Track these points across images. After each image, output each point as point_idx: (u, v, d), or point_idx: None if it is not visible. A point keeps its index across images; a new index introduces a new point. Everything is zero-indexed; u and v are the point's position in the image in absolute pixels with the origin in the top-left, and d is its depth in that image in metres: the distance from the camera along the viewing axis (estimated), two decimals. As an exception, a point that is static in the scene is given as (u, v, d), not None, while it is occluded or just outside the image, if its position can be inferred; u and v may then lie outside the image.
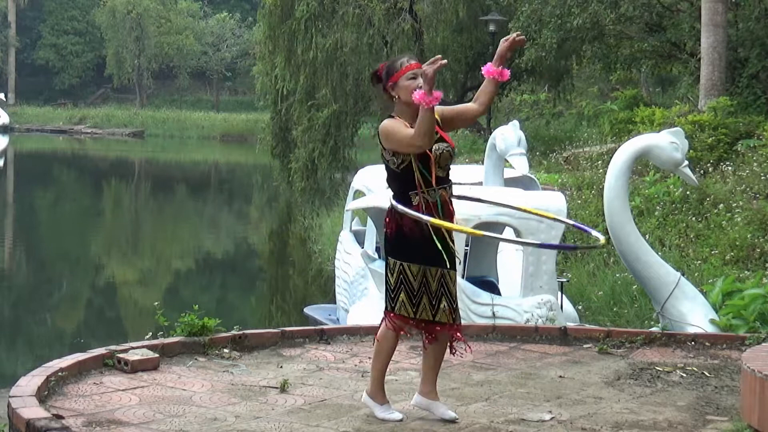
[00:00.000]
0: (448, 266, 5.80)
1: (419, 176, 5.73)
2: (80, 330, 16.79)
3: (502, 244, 11.28)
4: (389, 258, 5.87)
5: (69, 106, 72.86)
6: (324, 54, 28.37)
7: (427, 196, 5.75)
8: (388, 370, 7.08)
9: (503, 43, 5.76)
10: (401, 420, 5.89)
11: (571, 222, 6.89)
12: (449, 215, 5.83)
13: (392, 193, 5.87)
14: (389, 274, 5.86)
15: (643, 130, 17.86)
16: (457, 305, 5.91)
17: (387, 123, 5.79)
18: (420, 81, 5.65)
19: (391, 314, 5.86)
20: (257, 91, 42.90)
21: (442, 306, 5.82)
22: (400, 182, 5.80)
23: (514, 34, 5.79)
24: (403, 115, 5.79)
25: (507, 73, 5.77)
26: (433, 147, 5.73)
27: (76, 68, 77.59)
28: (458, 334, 5.93)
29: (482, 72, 5.77)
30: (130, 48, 72.41)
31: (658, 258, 10.04)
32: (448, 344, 5.98)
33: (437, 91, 5.55)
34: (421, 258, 5.77)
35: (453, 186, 5.93)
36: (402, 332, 5.93)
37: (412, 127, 5.69)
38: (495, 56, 5.76)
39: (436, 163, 5.75)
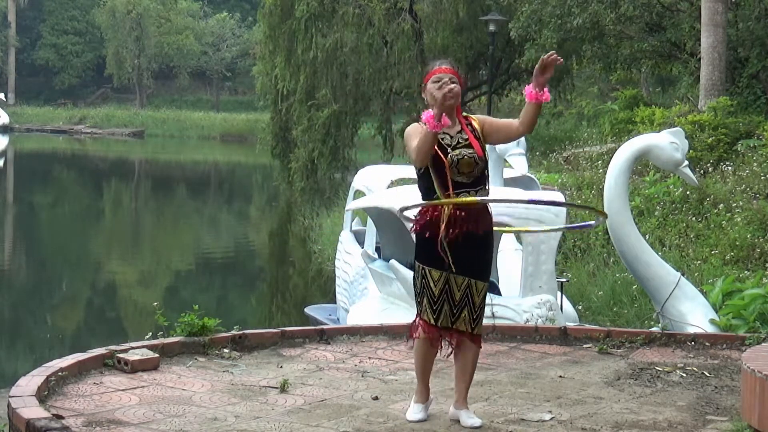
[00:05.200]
0: (454, 271, 5.74)
1: (435, 181, 5.76)
2: (80, 330, 16.78)
3: (502, 244, 11.28)
4: (415, 261, 5.90)
5: (69, 106, 72.87)
6: (324, 54, 28.39)
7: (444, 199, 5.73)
8: (388, 369, 7.09)
9: (537, 67, 5.65)
10: (418, 421, 5.86)
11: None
12: (466, 221, 5.74)
13: (421, 196, 5.92)
14: (415, 278, 5.89)
15: (643, 130, 17.86)
16: (478, 315, 5.85)
17: (409, 128, 5.88)
18: (443, 86, 5.73)
19: (418, 318, 5.86)
20: (257, 91, 42.95)
21: (462, 315, 5.80)
22: (421, 185, 5.88)
23: (548, 55, 5.64)
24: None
25: (547, 95, 5.69)
26: (451, 153, 5.73)
27: (76, 68, 77.62)
28: (475, 343, 5.89)
29: (525, 95, 5.73)
30: (130, 48, 72.44)
31: (658, 258, 10.04)
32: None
33: (447, 119, 5.59)
34: (441, 263, 5.76)
35: (484, 191, 5.82)
36: (431, 340, 5.84)
37: (442, 131, 5.76)
38: (533, 79, 5.68)
39: (454, 168, 5.73)
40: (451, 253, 5.72)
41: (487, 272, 5.87)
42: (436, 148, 5.72)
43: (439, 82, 5.78)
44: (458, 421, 5.87)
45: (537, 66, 5.67)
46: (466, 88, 31.74)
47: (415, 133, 5.78)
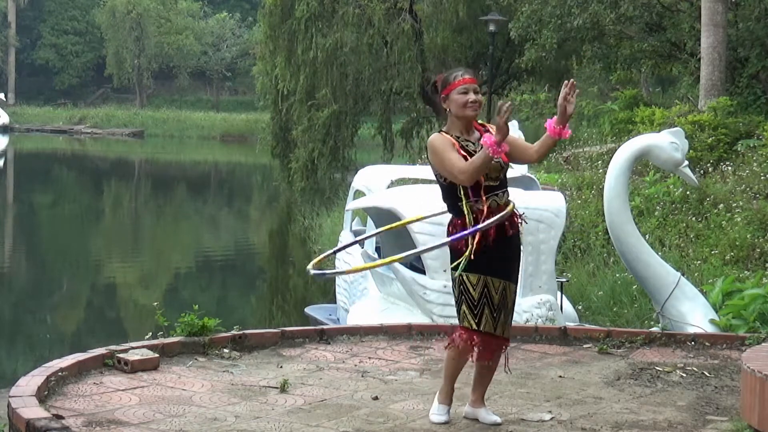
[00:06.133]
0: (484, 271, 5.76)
1: (466, 188, 5.75)
2: (80, 330, 16.78)
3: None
4: (451, 270, 5.89)
5: (69, 106, 72.90)
6: (324, 54, 28.37)
7: (476, 205, 5.74)
8: (388, 369, 7.09)
9: (560, 102, 5.72)
10: (444, 423, 5.86)
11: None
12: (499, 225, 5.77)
13: (447, 205, 5.92)
14: (453, 287, 5.89)
15: (643, 130, 17.85)
16: (511, 318, 5.92)
17: (435, 140, 5.81)
18: (471, 96, 5.77)
19: (459, 328, 5.85)
20: (257, 91, 42.96)
21: (501, 319, 5.84)
22: (449, 195, 5.85)
23: (568, 85, 5.72)
24: (453, 128, 5.85)
25: (568, 132, 5.76)
26: None
27: (76, 68, 77.63)
28: (504, 347, 5.96)
29: (545, 127, 5.79)
30: (130, 48, 72.44)
31: (658, 258, 10.04)
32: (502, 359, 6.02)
33: (505, 144, 5.58)
34: (477, 267, 5.76)
35: (507, 192, 5.89)
36: (467, 351, 5.84)
37: (464, 138, 5.78)
38: (557, 115, 5.73)
39: (485, 175, 5.75)
40: (485, 256, 5.73)
41: (517, 274, 5.98)
42: (464, 154, 5.74)
43: (466, 93, 5.79)
44: (476, 420, 5.92)
45: (559, 100, 5.72)
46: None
47: (445, 147, 5.74)
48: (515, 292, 5.93)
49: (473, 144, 5.82)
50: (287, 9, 29.32)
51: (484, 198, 5.74)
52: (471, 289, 5.76)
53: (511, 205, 5.83)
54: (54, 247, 24.95)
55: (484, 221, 5.72)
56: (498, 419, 5.89)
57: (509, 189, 5.98)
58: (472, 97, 5.78)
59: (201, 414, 5.88)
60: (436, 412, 5.90)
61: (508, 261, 5.87)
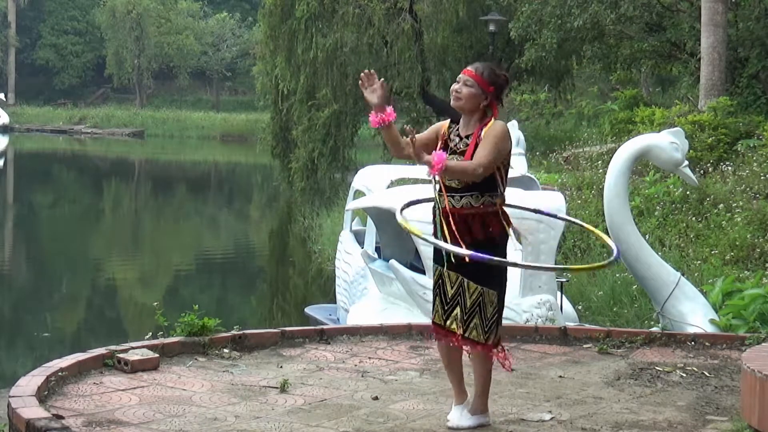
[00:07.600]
0: (445, 265, 5.70)
1: (434, 181, 5.78)
2: (80, 330, 16.78)
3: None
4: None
5: (69, 106, 72.84)
6: (324, 54, 28.37)
7: (439, 195, 5.76)
8: (388, 369, 7.09)
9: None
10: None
11: (578, 222, 6.85)
12: (448, 225, 5.66)
13: None
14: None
15: (643, 130, 17.85)
16: (469, 317, 5.67)
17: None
18: (455, 86, 5.76)
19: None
20: (257, 91, 42.96)
21: (454, 313, 5.72)
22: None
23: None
24: (463, 118, 5.86)
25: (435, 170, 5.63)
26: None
27: (76, 68, 77.59)
28: (458, 343, 5.74)
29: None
30: (130, 48, 72.42)
31: (658, 258, 10.04)
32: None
33: (374, 117, 5.87)
34: (436, 257, 5.82)
35: (479, 198, 5.67)
36: (436, 337, 5.84)
37: (456, 131, 5.80)
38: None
39: (443, 173, 5.70)
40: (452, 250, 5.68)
41: (482, 276, 5.64)
42: (440, 144, 5.76)
43: (458, 83, 5.78)
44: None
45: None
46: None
47: (429, 128, 5.94)
48: (477, 292, 5.64)
49: (460, 139, 5.75)
50: (287, 9, 29.31)
51: (445, 193, 5.70)
52: (432, 278, 5.87)
53: (467, 255, 5.49)
54: (54, 247, 24.95)
55: (436, 217, 5.77)
56: (457, 424, 5.73)
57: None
58: (455, 86, 5.75)
59: (201, 414, 5.88)
60: (450, 412, 5.90)
61: (479, 263, 5.57)
